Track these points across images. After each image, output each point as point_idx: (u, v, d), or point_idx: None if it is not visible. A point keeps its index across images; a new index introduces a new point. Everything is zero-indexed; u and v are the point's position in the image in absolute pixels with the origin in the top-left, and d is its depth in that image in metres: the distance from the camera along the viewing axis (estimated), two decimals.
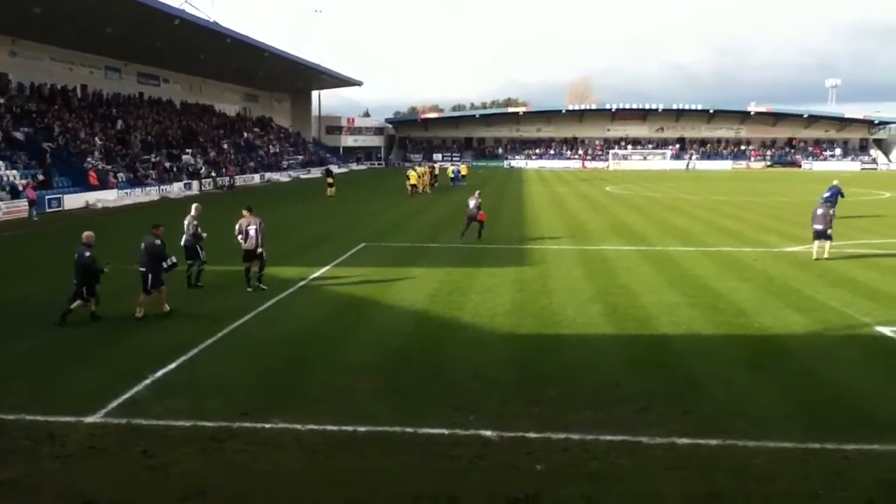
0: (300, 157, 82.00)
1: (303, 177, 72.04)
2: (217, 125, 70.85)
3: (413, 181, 46.81)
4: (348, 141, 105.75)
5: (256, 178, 63.35)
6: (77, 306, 13.17)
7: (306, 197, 46.11)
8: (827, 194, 31.57)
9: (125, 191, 43.36)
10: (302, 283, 17.02)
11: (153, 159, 51.44)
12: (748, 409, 9.02)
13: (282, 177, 68.62)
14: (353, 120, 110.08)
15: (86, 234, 13.45)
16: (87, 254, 13.14)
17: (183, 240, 16.07)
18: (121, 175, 45.43)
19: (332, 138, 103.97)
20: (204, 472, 7.34)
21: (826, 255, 20.45)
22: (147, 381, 9.94)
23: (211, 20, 52.82)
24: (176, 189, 48.75)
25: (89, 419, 8.63)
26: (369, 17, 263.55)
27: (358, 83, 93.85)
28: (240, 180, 58.05)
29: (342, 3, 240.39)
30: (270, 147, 77.29)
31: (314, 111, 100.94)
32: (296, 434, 8.25)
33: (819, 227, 20.54)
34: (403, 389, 9.77)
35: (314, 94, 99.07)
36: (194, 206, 16.77)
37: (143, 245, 13.69)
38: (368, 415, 8.77)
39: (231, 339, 12.35)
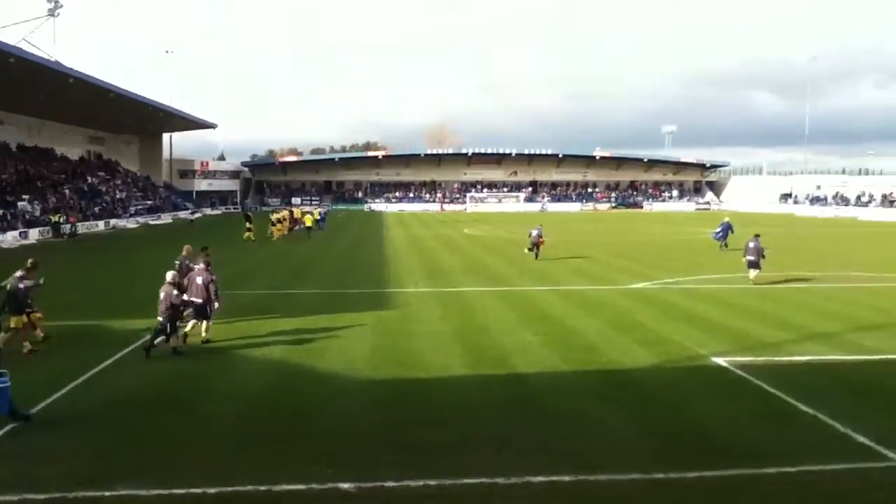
0: (149, 202, 78.44)
1: (152, 222, 68.90)
2: (58, 169, 66.63)
3: (309, 223, 49.93)
4: (202, 185, 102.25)
5: (101, 224, 59.90)
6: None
7: (154, 244, 44.07)
8: (718, 230, 36.89)
9: None
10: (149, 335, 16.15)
11: None
12: (600, 443, 9.42)
13: (129, 223, 65.27)
14: (207, 163, 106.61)
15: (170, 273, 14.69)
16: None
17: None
18: None
19: (185, 182, 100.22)
20: None
21: (755, 282, 23.75)
22: None
23: (52, 59, 49.93)
24: (10, 238, 45.20)
25: None
26: (226, 59, 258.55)
27: (212, 126, 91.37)
28: (82, 227, 54.69)
29: (197, 46, 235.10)
30: (117, 192, 73.46)
31: (166, 154, 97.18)
32: (139, 501, 7.76)
33: (752, 258, 24.03)
34: (259, 444, 9.44)
35: (165, 136, 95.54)
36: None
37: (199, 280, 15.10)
38: (220, 474, 8.38)
39: (70, 398, 11.49)
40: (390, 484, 8.07)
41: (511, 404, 11.15)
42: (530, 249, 32.41)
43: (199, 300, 15.10)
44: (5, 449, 9.29)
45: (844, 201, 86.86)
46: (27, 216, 50.86)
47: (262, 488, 7.99)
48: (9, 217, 48.59)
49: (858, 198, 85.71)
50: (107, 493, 7.89)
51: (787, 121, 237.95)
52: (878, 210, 78.49)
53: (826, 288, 23.50)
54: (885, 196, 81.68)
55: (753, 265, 24.06)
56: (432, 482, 8.10)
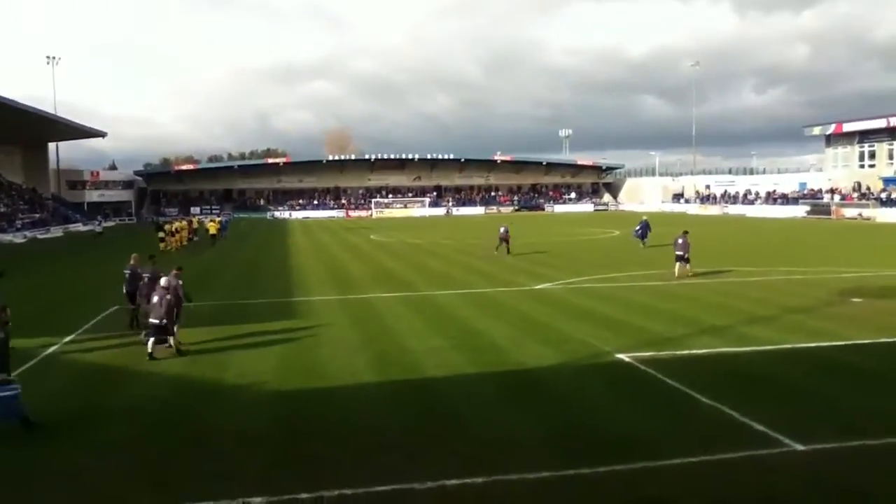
0: (37, 215, 74.33)
1: (41, 237, 65.37)
2: None
3: (213, 231, 50.25)
4: (93, 196, 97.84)
5: None
6: None
7: (46, 258, 41.80)
8: (637, 228, 39.56)
9: None
10: (44, 354, 15.27)
11: None
12: (510, 444, 9.49)
13: (15, 238, 61.72)
14: (98, 173, 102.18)
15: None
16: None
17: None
18: None
19: (74, 193, 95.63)
20: None
21: (689, 273, 25.77)
22: None
23: None
24: None
25: None
26: (115, 67, 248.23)
27: (101, 134, 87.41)
28: None
29: (86, 53, 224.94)
30: (0, 206, 69.29)
31: (52, 164, 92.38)
32: None
33: (680, 252, 25.80)
34: (161, 463, 9.05)
35: (51, 146, 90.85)
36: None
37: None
38: (122, 495, 7.99)
39: None
40: (303, 496, 7.88)
41: (420, 409, 11.13)
42: (498, 248, 36.15)
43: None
44: None
45: (732, 199, 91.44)
46: None
47: None
48: None
49: (745, 196, 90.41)
50: None
51: (675, 124, 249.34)
52: (764, 207, 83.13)
53: (717, 283, 24.64)
54: (769, 193, 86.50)
55: (681, 259, 25.86)
56: (347, 491, 7.96)
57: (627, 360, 13.94)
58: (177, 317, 15.47)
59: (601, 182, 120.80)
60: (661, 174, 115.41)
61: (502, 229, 36.86)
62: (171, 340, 15.00)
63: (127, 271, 18.04)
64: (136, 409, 11.37)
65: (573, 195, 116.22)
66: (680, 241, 26.15)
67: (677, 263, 25.95)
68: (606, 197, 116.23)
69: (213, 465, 8.91)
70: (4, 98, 58.88)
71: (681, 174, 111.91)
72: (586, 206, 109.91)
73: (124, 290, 17.93)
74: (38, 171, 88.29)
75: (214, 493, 7.95)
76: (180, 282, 16.06)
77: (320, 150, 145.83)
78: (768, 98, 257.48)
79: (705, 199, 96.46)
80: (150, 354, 14.47)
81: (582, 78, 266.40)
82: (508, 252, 35.64)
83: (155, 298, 14.81)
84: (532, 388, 12.19)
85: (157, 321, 14.59)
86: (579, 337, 16.03)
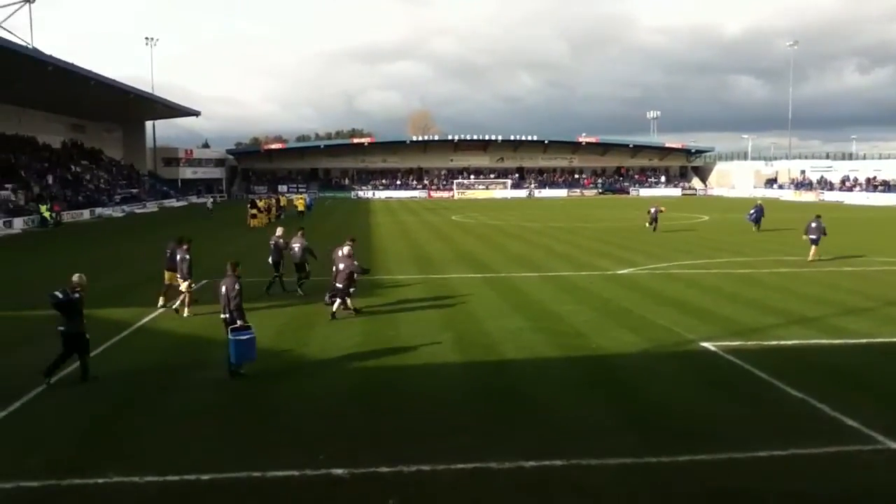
0: (134, 190, 77.77)
1: (138, 211, 68.43)
2: (41, 158, 65.87)
3: (301, 207, 56.91)
4: (187, 173, 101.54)
5: (86, 213, 59.42)
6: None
7: (141, 232, 43.76)
8: (752, 212, 39.98)
9: None
10: (138, 324, 16.06)
11: None
12: (590, 428, 9.45)
13: (114, 212, 64.81)
14: (192, 151, 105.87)
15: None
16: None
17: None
18: None
19: (169, 170, 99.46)
20: None
21: (817, 258, 26.26)
22: None
23: (30, 46, 49.27)
24: None
25: None
26: (208, 48, 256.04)
27: (195, 113, 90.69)
28: (67, 216, 54.21)
29: (181, 34, 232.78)
30: (101, 181, 72.81)
31: (149, 142, 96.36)
32: (133, 487, 7.72)
33: (813, 236, 26.75)
34: (248, 432, 9.41)
35: (148, 124, 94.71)
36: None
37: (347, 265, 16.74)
38: (211, 461, 8.36)
39: (56, 388, 11.35)
40: (383, 469, 8.07)
41: (501, 391, 11.17)
42: (650, 224, 39.03)
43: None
44: None
45: (829, 186, 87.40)
46: (11, 205, 50.35)
47: (256, 474, 7.97)
48: None
49: (843, 182, 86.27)
50: (99, 481, 7.84)
51: (770, 106, 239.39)
52: (863, 194, 79.13)
53: (809, 272, 23.68)
54: (869, 180, 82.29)
55: (815, 242, 26.65)
56: (426, 467, 8.11)
57: (713, 349, 13.61)
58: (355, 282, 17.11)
59: (689, 166, 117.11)
60: (753, 158, 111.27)
61: (653, 209, 39.40)
62: (349, 302, 16.76)
63: (272, 242, 20.79)
64: (222, 379, 11.82)
65: (661, 179, 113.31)
66: (813, 224, 27.07)
67: (812, 247, 26.58)
68: (695, 181, 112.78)
69: (295, 435, 9.22)
70: (110, 79, 61.79)
71: (775, 158, 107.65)
72: (674, 191, 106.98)
73: (270, 260, 20.43)
74: (137, 149, 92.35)
75: (297, 463, 8.24)
76: (351, 256, 17.52)
77: (404, 131, 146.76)
78: (872, 79, 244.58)
79: (800, 185, 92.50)
80: (333, 314, 16.32)
81: (672, 58, 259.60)
82: (655, 230, 38.47)
83: (341, 265, 16.59)
84: (613, 374, 12.08)
85: (340, 285, 16.43)
86: (663, 324, 15.74)
